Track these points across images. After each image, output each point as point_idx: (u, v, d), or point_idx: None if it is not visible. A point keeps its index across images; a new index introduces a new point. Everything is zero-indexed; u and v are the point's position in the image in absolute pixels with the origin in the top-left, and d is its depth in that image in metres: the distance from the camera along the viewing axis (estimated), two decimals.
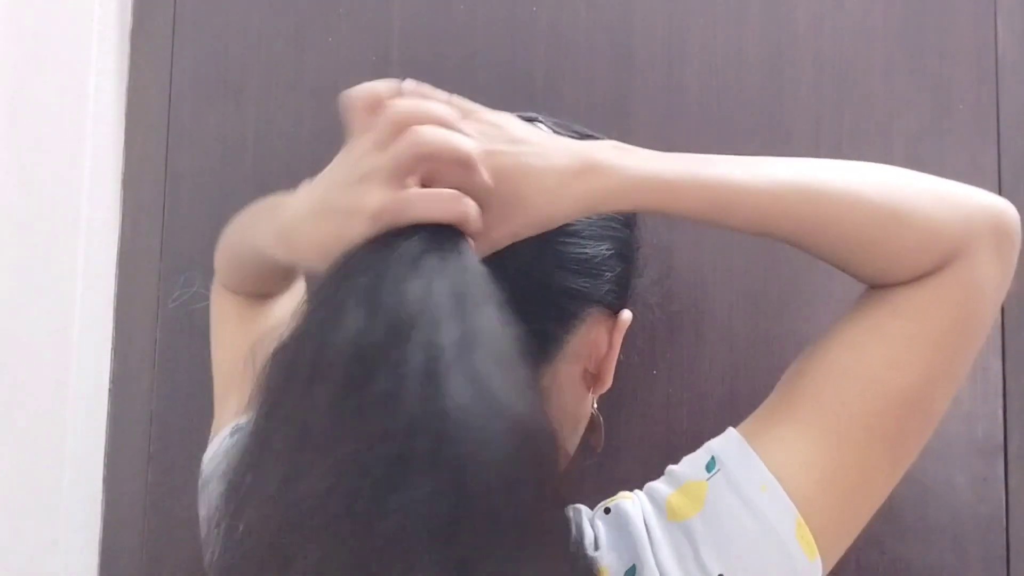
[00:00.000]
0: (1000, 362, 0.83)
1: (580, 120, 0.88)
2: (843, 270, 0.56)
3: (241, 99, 0.94)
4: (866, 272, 0.55)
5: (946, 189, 0.55)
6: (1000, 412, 0.83)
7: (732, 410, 0.85)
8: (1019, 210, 0.83)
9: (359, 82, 0.94)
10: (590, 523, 0.54)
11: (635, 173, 0.50)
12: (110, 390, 0.94)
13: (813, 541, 0.50)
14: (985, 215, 0.54)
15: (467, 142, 0.48)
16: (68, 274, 0.91)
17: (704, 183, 0.51)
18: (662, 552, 0.51)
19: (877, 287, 0.56)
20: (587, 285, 0.57)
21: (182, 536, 0.90)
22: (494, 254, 0.49)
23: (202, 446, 0.89)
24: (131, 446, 0.93)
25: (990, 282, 0.54)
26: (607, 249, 0.57)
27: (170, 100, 0.95)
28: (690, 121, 0.88)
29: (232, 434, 0.65)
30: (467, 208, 0.47)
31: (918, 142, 0.85)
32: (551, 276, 0.55)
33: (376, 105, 0.53)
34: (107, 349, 0.94)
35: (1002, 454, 0.82)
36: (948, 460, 0.82)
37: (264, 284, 0.73)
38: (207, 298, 0.92)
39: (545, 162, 0.49)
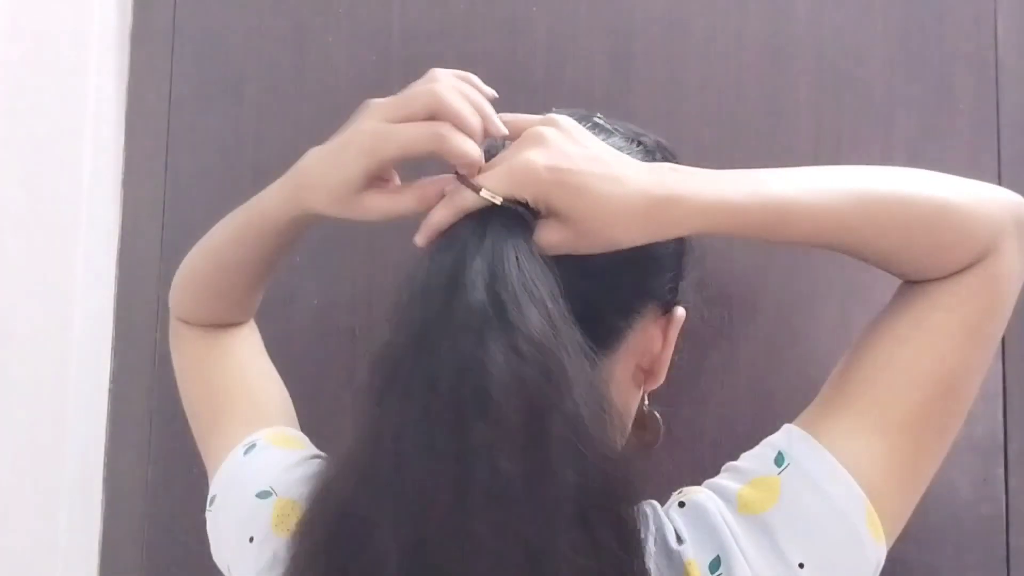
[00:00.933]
0: (1000, 362, 0.83)
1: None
2: (886, 269, 0.59)
3: (241, 99, 0.94)
4: (910, 270, 0.58)
5: (976, 188, 0.59)
6: (1000, 412, 0.83)
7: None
8: None
9: (359, 82, 0.94)
10: (666, 517, 0.55)
11: (704, 200, 0.52)
12: (110, 390, 0.94)
13: (880, 525, 0.54)
14: (1010, 209, 0.58)
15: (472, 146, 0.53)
16: (68, 274, 0.91)
17: (765, 203, 0.54)
18: (743, 543, 0.53)
19: (915, 283, 0.59)
20: (650, 280, 0.59)
21: (182, 536, 0.90)
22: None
23: None
24: (131, 446, 0.93)
25: (1016, 272, 0.58)
26: (670, 248, 0.60)
27: (170, 100, 0.95)
28: (690, 120, 0.88)
29: (246, 451, 0.66)
30: (450, 143, 0.52)
31: (918, 142, 0.85)
32: (621, 270, 0.56)
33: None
34: (107, 349, 0.94)
35: (1002, 454, 0.82)
36: (948, 460, 0.81)
37: (239, 299, 0.73)
38: None
39: (621, 191, 0.51)
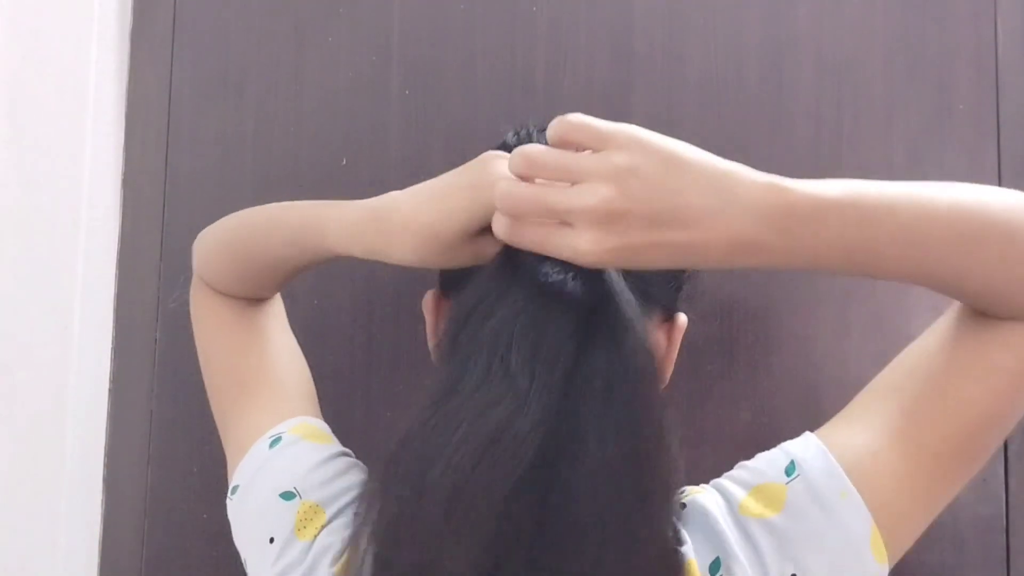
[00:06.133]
0: None
1: None
2: (967, 296, 0.54)
3: (241, 99, 0.94)
4: (999, 309, 0.53)
5: None
6: None
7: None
8: None
9: (359, 82, 0.94)
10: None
11: (807, 193, 0.47)
12: (110, 390, 0.94)
13: (884, 547, 0.53)
14: None
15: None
16: (68, 274, 0.91)
17: (863, 207, 0.48)
18: (740, 545, 0.53)
19: (983, 316, 0.54)
20: (653, 287, 0.58)
21: (182, 536, 0.90)
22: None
23: (202, 446, 0.89)
24: (131, 446, 0.93)
25: None
26: None
27: (170, 100, 0.95)
28: (690, 120, 0.88)
29: (271, 445, 0.66)
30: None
31: (918, 142, 0.85)
32: (628, 277, 0.54)
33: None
34: (107, 349, 0.94)
35: (1002, 454, 0.82)
36: None
37: (270, 285, 0.73)
38: None
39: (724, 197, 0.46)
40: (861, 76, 0.86)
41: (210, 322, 0.75)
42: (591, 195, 0.46)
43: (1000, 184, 0.84)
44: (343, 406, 0.87)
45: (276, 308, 0.76)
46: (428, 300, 0.63)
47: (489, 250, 0.52)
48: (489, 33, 0.91)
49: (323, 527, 0.59)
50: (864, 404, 0.58)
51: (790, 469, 0.55)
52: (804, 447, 0.56)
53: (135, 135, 0.96)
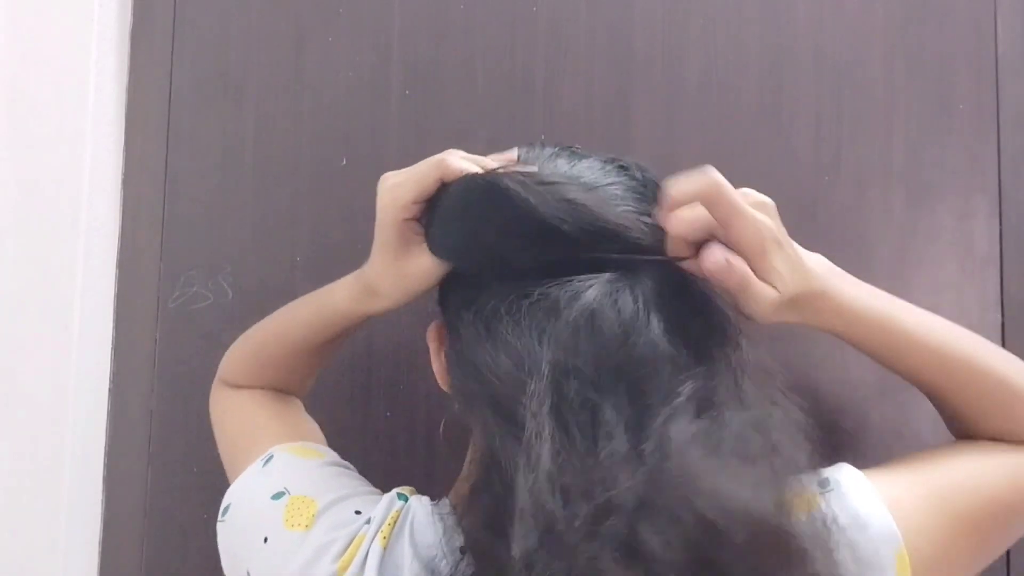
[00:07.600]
0: None
1: (580, 120, 0.88)
2: (968, 424, 0.65)
3: (241, 99, 0.94)
4: (987, 430, 0.64)
5: None
6: None
7: None
8: (1018, 208, 0.83)
9: (359, 82, 0.94)
10: None
11: (842, 303, 0.59)
12: (110, 390, 0.94)
13: (910, 574, 0.55)
14: None
15: None
16: (68, 274, 0.91)
17: (884, 326, 0.61)
18: None
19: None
20: None
21: (182, 536, 0.90)
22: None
23: (202, 446, 0.89)
24: (131, 446, 0.93)
25: None
26: None
27: (170, 100, 0.95)
28: (690, 121, 0.88)
29: (264, 463, 0.67)
30: (452, 164, 0.57)
31: (918, 142, 0.85)
32: None
33: None
34: (107, 349, 0.94)
35: None
36: None
37: (297, 367, 0.77)
38: (207, 298, 0.92)
39: (792, 275, 0.55)
40: (861, 76, 0.86)
41: (227, 407, 0.79)
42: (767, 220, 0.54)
43: (1000, 185, 0.84)
44: (343, 406, 0.87)
45: (297, 401, 0.81)
46: (432, 331, 0.65)
47: (421, 261, 0.60)
48: (489, 33, 0.91)
49: (316, 516, 0.60)
50: (910, 459, 0.63)
51: (824, 483, 0.58)
52: (838, 469, 0.59)
53: (135, 135, 0.96)
